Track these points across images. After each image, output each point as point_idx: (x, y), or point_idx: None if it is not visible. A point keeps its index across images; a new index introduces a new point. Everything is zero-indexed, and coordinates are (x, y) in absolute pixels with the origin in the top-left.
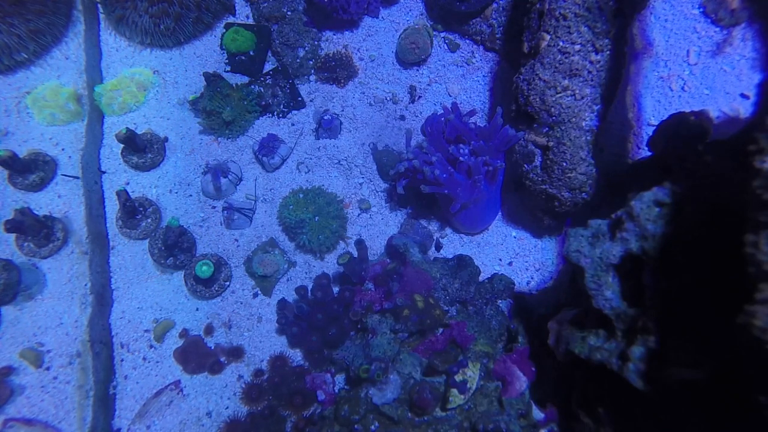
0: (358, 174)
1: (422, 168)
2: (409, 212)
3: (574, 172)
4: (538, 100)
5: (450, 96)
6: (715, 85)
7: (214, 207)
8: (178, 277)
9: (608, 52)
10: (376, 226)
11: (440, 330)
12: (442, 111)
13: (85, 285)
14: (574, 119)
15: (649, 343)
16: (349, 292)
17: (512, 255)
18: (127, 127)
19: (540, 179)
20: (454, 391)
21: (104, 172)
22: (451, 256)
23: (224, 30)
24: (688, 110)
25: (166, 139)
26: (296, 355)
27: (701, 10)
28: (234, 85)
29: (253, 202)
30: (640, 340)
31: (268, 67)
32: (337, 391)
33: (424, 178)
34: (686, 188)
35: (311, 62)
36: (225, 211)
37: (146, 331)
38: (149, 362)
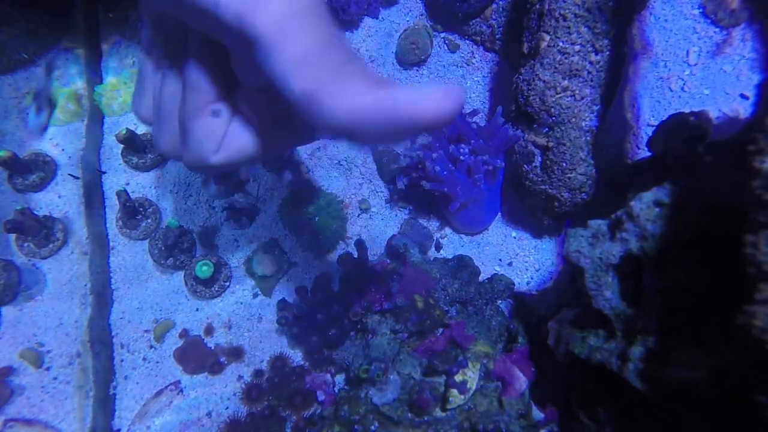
0: (358, 174)
1: (424, 161)
2: (409, 212)
3: (573, 173)
4: (538, 100)
5: None
6: (714, 85)
7: (214, 207)
8: (178, 278)
9: (608, 53)
10: (376, 226)
11: (440, 330)
12: None
13: (85, 285)
14: (573, 119)
15: (649, 343)
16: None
17: (512, 255)
18: (127, 128)
19: (540, 179)
20: (454, 391)
21: (104, 173)
22: (451, 256)
23: None
24: (687, 110)
25: None
26: (296, 355)
27: (701, 10)
28: None
29: (254, 202)
30: (640, 340)
31: None
32: (337, 391)
33: (425, 173)
34: (686, 188)
35: None
36: (225, 211)
37: (146, 331)
38: (149, 362)
